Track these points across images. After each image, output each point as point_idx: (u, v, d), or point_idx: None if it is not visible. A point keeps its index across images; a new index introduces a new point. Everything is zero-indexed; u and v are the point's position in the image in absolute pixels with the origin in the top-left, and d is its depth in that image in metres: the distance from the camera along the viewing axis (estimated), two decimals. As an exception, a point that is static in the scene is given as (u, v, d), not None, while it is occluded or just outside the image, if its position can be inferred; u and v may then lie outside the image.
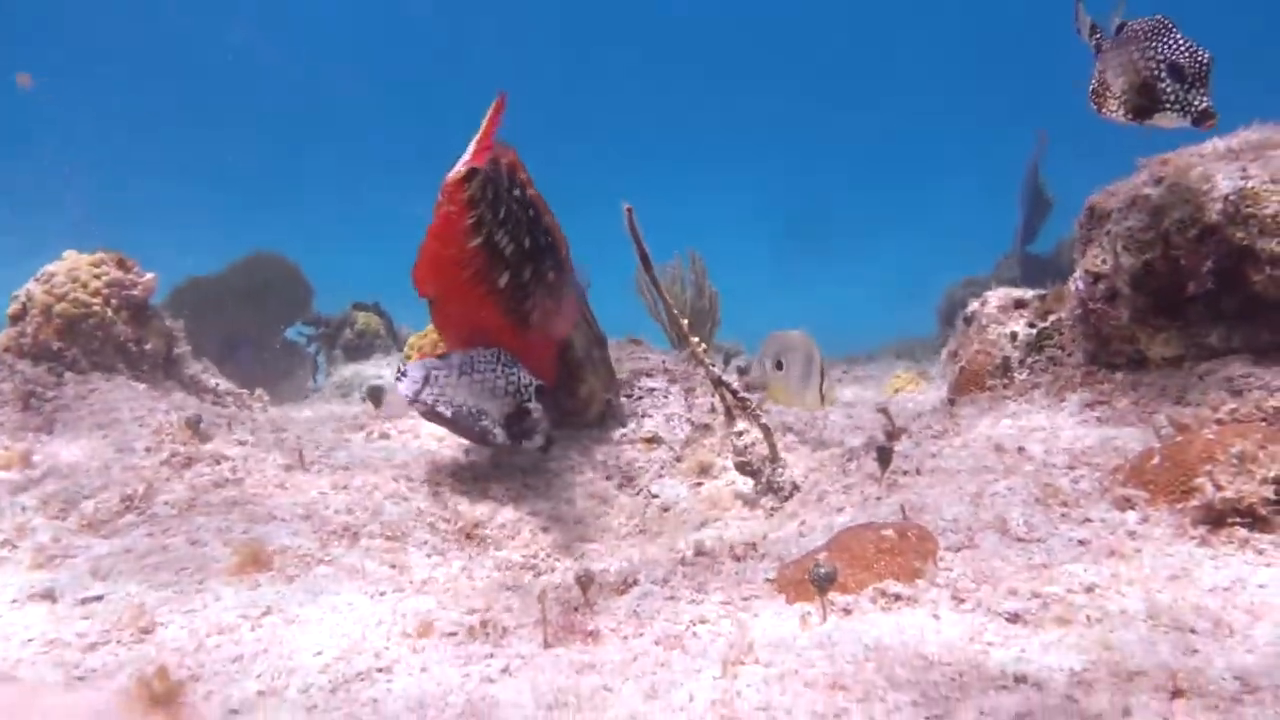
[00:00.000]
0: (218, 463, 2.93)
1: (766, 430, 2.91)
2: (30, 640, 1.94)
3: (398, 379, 2.89)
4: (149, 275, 3.96)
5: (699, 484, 3.16)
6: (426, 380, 2.83)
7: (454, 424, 2.93)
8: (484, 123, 2.71)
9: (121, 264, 3.93)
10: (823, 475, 2.84)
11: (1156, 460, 2.10)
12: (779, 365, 2.91)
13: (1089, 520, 2.08)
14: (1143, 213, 2.47)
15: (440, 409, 2.84)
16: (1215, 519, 1.90)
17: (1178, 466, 2.04)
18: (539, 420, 2.97)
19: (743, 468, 2.95)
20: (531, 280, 3.01)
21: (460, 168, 2.70)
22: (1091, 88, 2.43)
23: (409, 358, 4.73)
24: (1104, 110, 2.36)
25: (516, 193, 2.94)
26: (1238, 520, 1.89)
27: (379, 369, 7.99)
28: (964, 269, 10.63)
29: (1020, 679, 1.55)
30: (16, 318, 3.75)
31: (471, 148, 2.71)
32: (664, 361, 3.84)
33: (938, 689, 1.55)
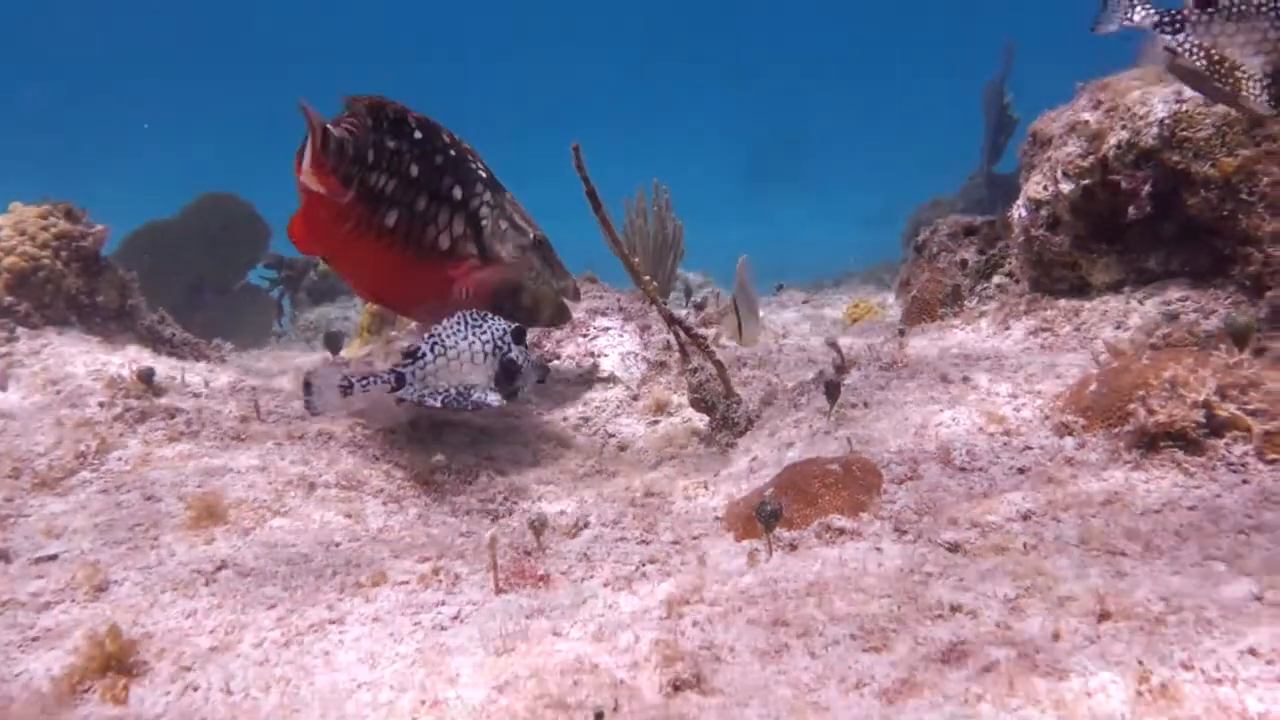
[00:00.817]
0: (172, 416, 2.92)
1: (720, 366, 2.93)
2: (-15, 602, 1.96)
3: (362, 384, 2.76)
4: (99, 226, 3.90)
5: (655, 422, 3.19)
6: (401, 380, 2.74)
7: (446, 409, 2.88)
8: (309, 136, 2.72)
9: (70, 215, 3.86)
10: (775, 410, 2.87)
11: (1094, 387, 2.13)
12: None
13: (1029, 448, 2.12)
14: (1081, 138, 2.48)
15: (429, 401, 2.78)
16: (1149, 443, 1.95)
17: (1114, 392, 2.08)
18: (524, 366, 2.91)
19: (698, 404, 2.97)
20: (430, 207, 2.98)
21: (306, 165, 2.72)
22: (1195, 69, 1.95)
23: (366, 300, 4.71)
24: (1240, 96, 1.94)
25: (386, 126, 2.91)
26: (1170, 444, 1.94)
27: (345, 310, 7.96)
28: (934, 191, 10.61)
29: (956, 608, 1.59)
30: (-37, 274, 3.70)
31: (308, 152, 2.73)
32: (619, 300, 3.84)
33: (875, 621, 1.59)
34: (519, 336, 2.94)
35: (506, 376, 2.90)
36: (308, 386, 2.79)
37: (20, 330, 3.52)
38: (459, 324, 2.85)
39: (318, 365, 3.24)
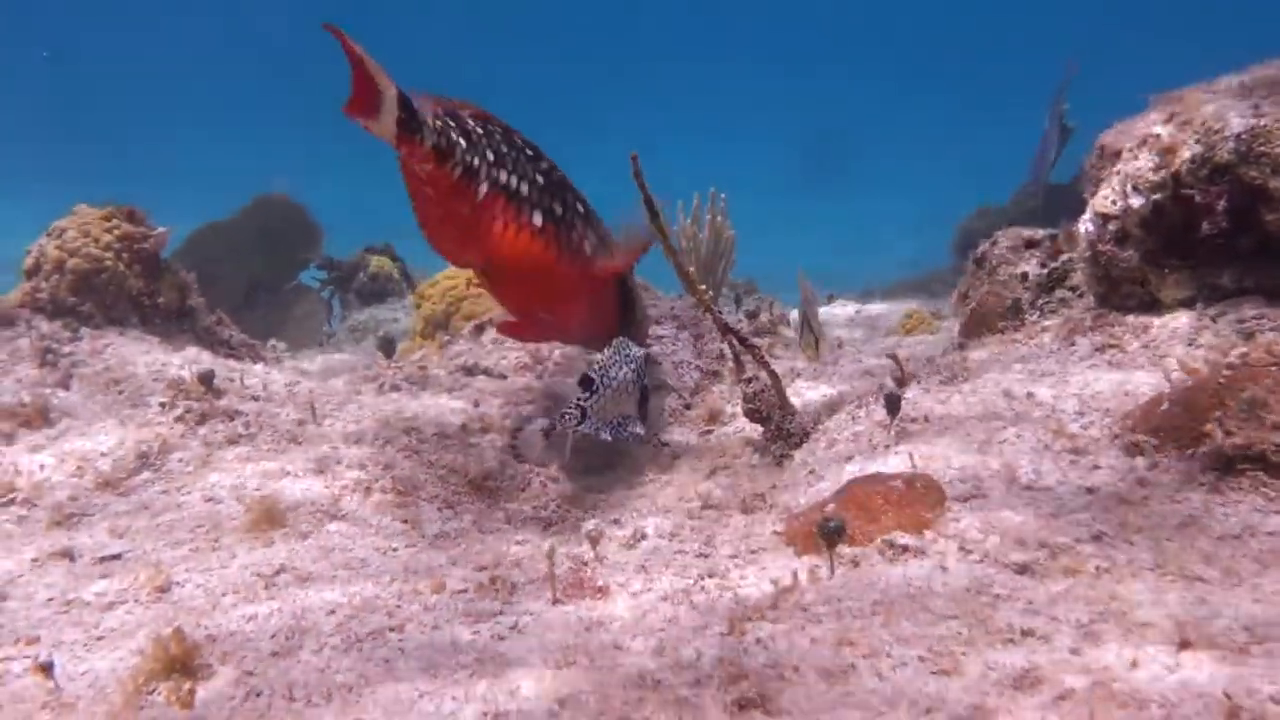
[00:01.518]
0: (231, 418, 2.95)
1: (775, 376, 2.90)
2: (50, 600, 1.98)
3: (561, 424, 2.70)
4: (161, 229, 3.95)
5: (708, 431, 3.17)
6: (585, 415, 2.72)
7: (616, 441, 2.83)
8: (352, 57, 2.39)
9: (132, 217, 3.92)
10: (832, 422, 2.84)
11: (1166, 406, 2.08)
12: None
13: (1098, 467, 2.08)
14: (1153, 152, 2.43)
15: (602, 435, 2.75)
16: (1225, 466, 1.90)
17: (1188, 412, 2.03)
18: (652, 389, 2.91)
19: (752, 415, 2.94)
20: (566, 213, 2.91)
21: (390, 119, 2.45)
22: None
23: (418, 305, 4.75)
24: None
25: (497, 133, 2.79)
26: (1248, 466, 1.89)
27: (394, 312, 8.02)
28: (980, 199, 10.49)
29: (1027, 632, 1.55)
30: (31, 273, 3.77)
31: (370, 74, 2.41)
32: (673, 307, 3.83)
33: (944, 644, 1.56)
34: (647, 361, 2.94)
35: (644, 401, 2.91)
36: (514, 448, 2.84)
37: (84, 330, 3.58)
38: (614, 354, 2.83)
39: (523, 427, 3.14)
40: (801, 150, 28.02)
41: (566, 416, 2.68)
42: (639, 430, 2.85)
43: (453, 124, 2.63)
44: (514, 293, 3.01)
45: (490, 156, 2.69)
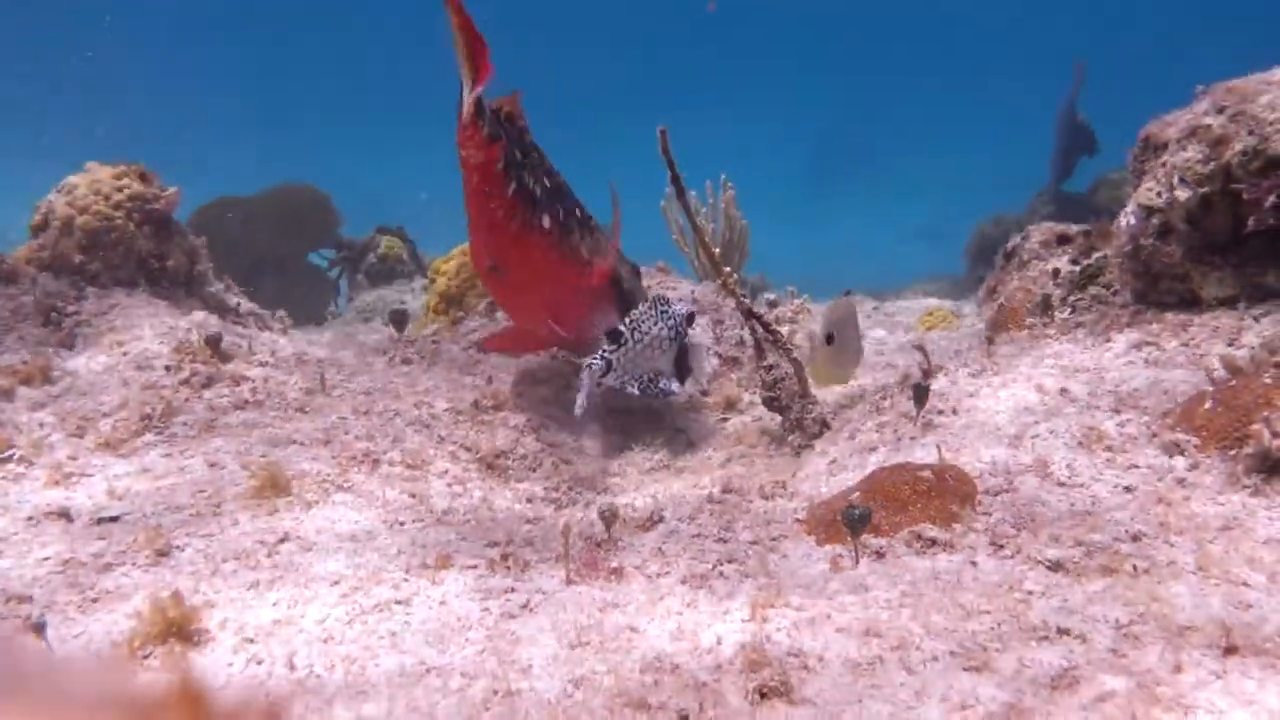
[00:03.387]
0: (238, 384, 2.88)
1: (798, 365, 2.83)
2: (46, 559, 1.91)
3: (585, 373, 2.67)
4: (171, 189, 3.87)
5: (725, 419, 3.10)
6: (609, 367, 2.66)
7: (641, 396, 2.81)
8: (462, 45, 2.45)
9: (143, 177, 3.84)
10: (854, 413, 2.76)
11: (1209, 405, 2.00)
12: (830, 339, 2.82)
13: (1135, 466, 2.00)
14: (1203, 143, 2.34)
15: (629, 389, 2.71)
16: (1271, 468, 1.82)
17: (1231, 411, 1.95)
18: (697, 352, 2.86)
19: (771, 403, 2.87)
20: (568, 216, 2.90)
21: (469, 103, 2.50)
22: None
23: (432, 280, 4.66)
24: None
25: (527, 137, 2.82)
26: (1295, 470, 1.81)
27: (401, 294, 7.95)
28: (991, 209, 10.43)
29: (1063, 631, 1.48)
30: (38, 229, 3.69)
31: (468, 78, 2.49)
32: (693, 291, 3.75)
33: (975, 639, 1.48)
34: (691, 320, 2.88)
35: (682, 360, 2.85)
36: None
37: (89, 290, 3.50)
38: (650, 309, 2.79)
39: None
40: (813, 151, 27.94)
41: (592, 368, 2.65)
42: (673, 387, 2.79)
43: (499, 119, 2.65)
44: (519, 294, 2.99)
45: (518, 155, 2.68)
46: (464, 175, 2.63)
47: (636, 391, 2.71)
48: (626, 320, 2.73)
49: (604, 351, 2.66)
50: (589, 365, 2.65)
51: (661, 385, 2.76)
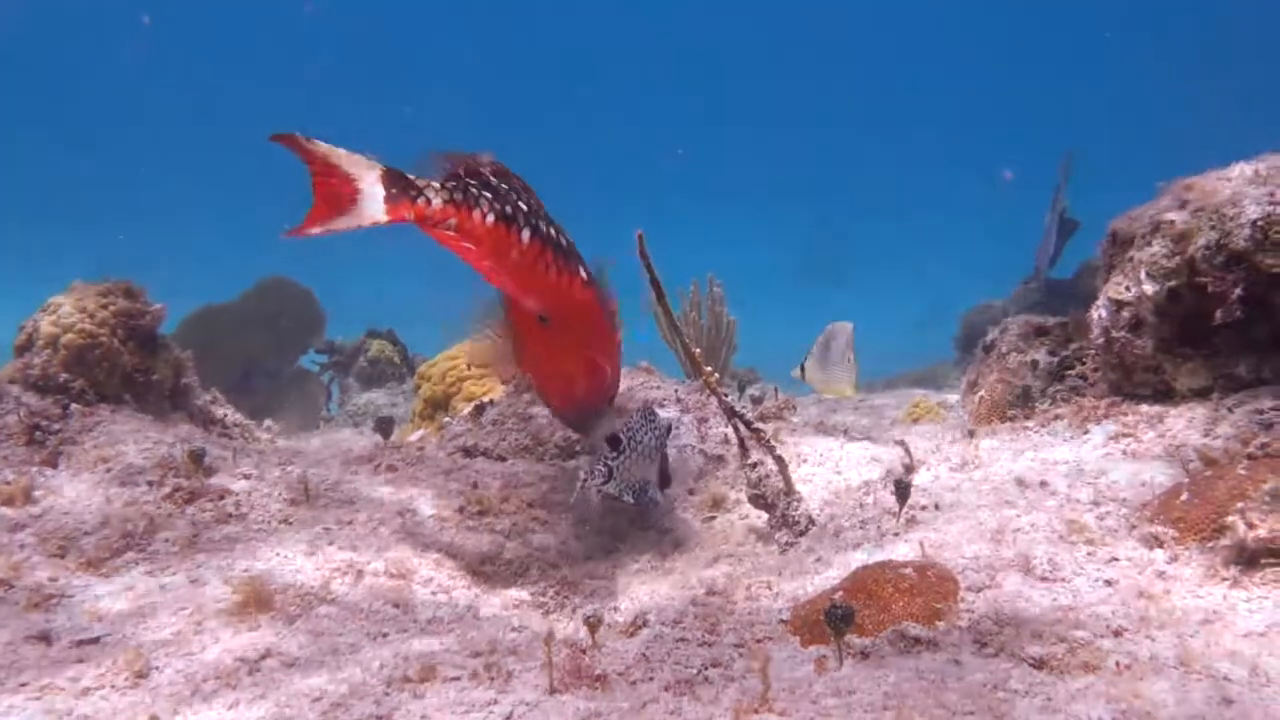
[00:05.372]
0: (221, 498, 2.88)
1: (781, 462, 2.84)
2: (24, 685, 1.89)
3: (588, 479, 2.70)
4: (157, 305, 3.91)
5: (711, 518, 3.09)
6: (611, 474, 2.67)
7: (633, 505, 2.79)
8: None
9: (129, 293, 3.88)
10: (839, 509, 2.76)
11: (1185, 496, 2.02)
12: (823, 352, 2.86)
13: (1116, 559, 2.00)
14: (1167, 238, 2.40)
15: (625, 498, 2.70)
16: (1248, 559, 1.82)
17: (1208, 503, 1.96)
18: (680, 459, 2.88)
19: (757, 501, 2.87)
20: (568, 260, 2.87)
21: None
22: None
23: (418, 386, 4.69)
24: None
25: (517, 189, 2.77)
26: (1272, 561, 1.81)
27: (392, 397, 7.97)
28: (981, 296, 10.54)
29: (1047, 731, 1.47)
30: (22, 349, 3.71)
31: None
32: (676, 391, 3.77)
33: (961, 742, 1.47)
34: (669, 431, 2.90)
35: (664, 469, 2.86)
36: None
37: (74, 407, 3.51)
38: (640, 418, 2.80)
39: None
40: (801, 245, 28.33)
41: (594, 473, 2.64)
42: (658, 498, 2.80)
43: (472, 180, 2.62)
44: (563, 335, 2.95)
45: (525, 207, 2.69)
46: (455, 249, 2.64)
47: (631, 500, 2.70)
48: (623, 429, 2.73)
49: (606, 458, 2.66)
50: (591, 472, 2.66)
51: (650, 494, 2.76)
